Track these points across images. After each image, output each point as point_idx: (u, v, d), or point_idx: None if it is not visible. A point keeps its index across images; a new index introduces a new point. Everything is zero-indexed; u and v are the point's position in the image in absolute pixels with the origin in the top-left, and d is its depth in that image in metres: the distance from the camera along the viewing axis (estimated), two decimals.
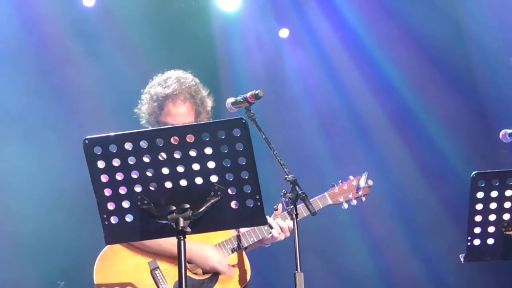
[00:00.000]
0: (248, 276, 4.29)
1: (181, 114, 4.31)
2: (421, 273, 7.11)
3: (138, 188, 2.97)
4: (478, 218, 3.35)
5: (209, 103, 4.59)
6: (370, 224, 7.20)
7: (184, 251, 2.95)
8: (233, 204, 2.99)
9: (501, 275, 6.85)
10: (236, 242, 4.26)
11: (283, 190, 3.61)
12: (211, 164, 2.93)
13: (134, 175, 2.96)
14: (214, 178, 2.95)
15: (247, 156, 2.92)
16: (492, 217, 3.35)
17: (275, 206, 3.52)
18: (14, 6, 6.56)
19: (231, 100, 3.94)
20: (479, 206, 3.33)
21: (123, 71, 6.92)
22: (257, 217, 3.01)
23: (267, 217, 4.13)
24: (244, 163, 2.93)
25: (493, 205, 3.33)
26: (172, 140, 2.93)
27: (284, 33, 7.35)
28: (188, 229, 2.95)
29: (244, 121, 2.89)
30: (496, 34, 6.82)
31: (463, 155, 7.00)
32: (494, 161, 6.68)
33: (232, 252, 4.25)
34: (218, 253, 4.19)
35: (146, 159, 2.93)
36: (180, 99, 4.38)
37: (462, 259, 3.43)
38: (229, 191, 2.97)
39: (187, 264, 4.13)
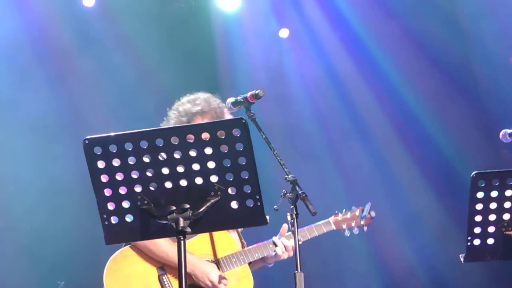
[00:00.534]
0: None
1: None
2: (421, 272, 7.12)
3: (138, 188, 2.97)
4: (478, 218, 3.34)
5: None
6: (370, 224, 7.19)
7: (184, 251, 2.95)
8: (233, 204, 2.99)
9: (501, 275, 6.85)
10: (242, 257, 4.36)
11: (283, 190, 3.61)
12: (211, 164, 2.93)
13: (134, 175, 2.96)
14: (214, 178, 2.95)
15: (247, 156, 2.92)
16: (492, 217, 3.34)
17: (275, 206, 3.52)
18: (14, 6, 6.56)
19: (231, 100, 3.94)
20: (479, 206, 3.33)
21: (123, 71, 6.93)
22: (257, 217, 3.01)
23: (274, 238, 4.39)
24: (244, 163, 2.93)
25: (493, 205, 3.33)
26: (172, 140, 2.92)
27: (284, 33, 7.35)
28: (188, 229, 2.94)
29: (244, 121, 2.89)
30: (496, 34, 6.82)
31: (463, 155, 7.00)
32: (494, 161, 6.68)
33: (236, 266, 4.34)
34: (218, 269, 4.29)
35: (146, 159, 2.93)
36: (207, 117, 4.45)
37: (462, 259, 3.43)
38: (229, 191, 2.97)
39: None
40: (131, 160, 2.94)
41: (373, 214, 4.90)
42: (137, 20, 6.88)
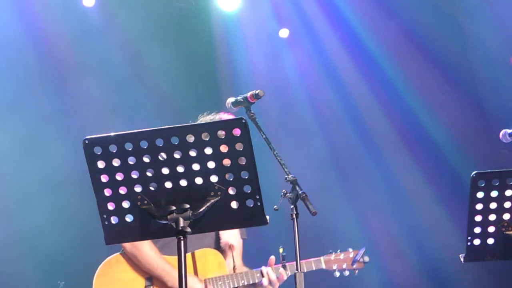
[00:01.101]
0: None
1: None
2: (421, 272, 7.11)
3: (138, 188, 2.97)
4: (478, 218, 3.34)
5: None
6: (370, 224, 7.20)
7: (185, 251, 2.95)
8: (233, 204, 2.99)
9: (501, 275, 6.85)
10: (228, 281, 4.39)
11: (283, 190, 3.61)
12: (211, 164, 2.93)
13: (134, 175, 2.96)
14: (214, 178, 2.95)
15: (247, 156, 2.92)
16: (492, 217, 3.34)
17: (275, 206, 3.52)
18: (14, 6, 6.56)
19: (231, 100, 3.94)
20: (479, 206, 3.33)
21: (123, 70, 6.93)
22: (257, 217, 3.01)
23: (263, 267, 4.44)
24: (244, 163, 2.93)
25: (493, 205, 3.33)
26: (172, 140, 2.92)
27: (284, 33, 7.35)
28: (188, 229, 2.94)
29: (244, 121, 2.89)
30: (496, 34, 6.81)
31: (463, 155, 7.00)
32: (494, 161, 6.68)
33: None
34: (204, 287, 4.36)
35: (146, 159, 2.93)
36: None
37: (462, 259, 3.43)
38: (229, 191, 2.97)
39: None
40: (131, 160, 2.93)
41: (366, 259, 4.90)
42: (137, 20, 6.88)
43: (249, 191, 2.96)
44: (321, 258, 4.76)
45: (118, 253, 4.36)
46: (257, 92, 3.83)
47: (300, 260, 3.49)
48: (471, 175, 3.28)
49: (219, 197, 2.96)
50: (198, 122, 4.68)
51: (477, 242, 3.37)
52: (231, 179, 2.95)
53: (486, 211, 3.33)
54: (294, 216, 3.54)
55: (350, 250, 4.86)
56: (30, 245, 6.41)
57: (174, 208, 2.96)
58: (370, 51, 7.23)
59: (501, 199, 3.31)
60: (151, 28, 6.94)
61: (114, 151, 2.93)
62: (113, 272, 4.29)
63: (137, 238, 3.12)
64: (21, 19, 6.60)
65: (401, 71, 7.17)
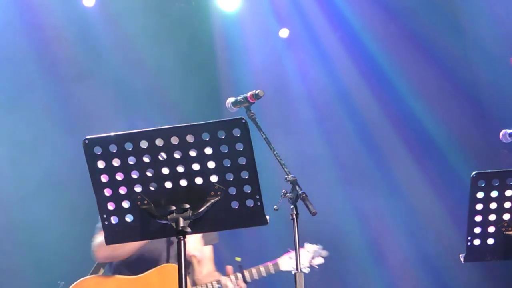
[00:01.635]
0: None
1: None
2: (421, 272, 7.11)
3: (138, 188, 2.97)
4: (478, 218, 3.35)
5: None
6: (370, 224, 7.20)
7: (184, 251, 2.95)
8: (233, 204, 2.99)
9: (501, 275, 6.85)
10: None
11: (283, 190, 3.61)
12: (211, 164, 2.93)
13: (134, 175, 2.96)
14: (214, 178, 2.95)
15: (247, 156, 2.92)
16: (492, 217, 3.34)
17: (275, 206, 3.53)
18: (14, 6, 6.56)
19: (231, 100, 3.95)
20: (479, 206, 3.33)
21: (123, 70, 6.93)
22: (257, 217, 3.01)
23: (222, 277, 4.56)
24: (244, 163, 2.93)
25: (493, 205, 3.33)
26: (172, 140, 2.93)
27: (284, 33, 7.34)
28: (188, 229, 2.95)
29: (244, 121, 2.89)
30: (496, 34, 6.81)
31: (463, 155, 7.00)
32: (494, 161, 6.68)
33: None
34: None
35: (146, 159, 2.93)
36: None
37: (462, 259, 3.43)
38: (229, 191, 2.97)
39: None
40: (131, 160, 2.94)
41: (324, 254, 4.89)
42: (137, 20, 6.88)
43: (249, 191, 2.96)
44: (278, 260, 4.82)
45: (83, 278, 4.59)
46: (257, 92, 3.84)
47: (299, 259, 3.49)
48: (471, 175, 3.28)
49: (219, 197, 2.97)
50: None
51: (477, 242, 3.37)
52: (231, 179, 2.95)
53: (486, 211, 3.33)
54: (294, 216, 3.54)
55: (306, 244, 4.86)
56: (30, 245, 6.41)
57: (174, 208, 2.96)
58: (370, 51, 7.23)
59: (501, 199, 3.31)
60: (151, 28, 6.94)
61: (114, 151, 2.93)
62: None
63: (137, 238, 3.12)
64: (21, 19, 6.60)
65: (401, 71, 7.17)
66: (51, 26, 6.68)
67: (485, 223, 3.35)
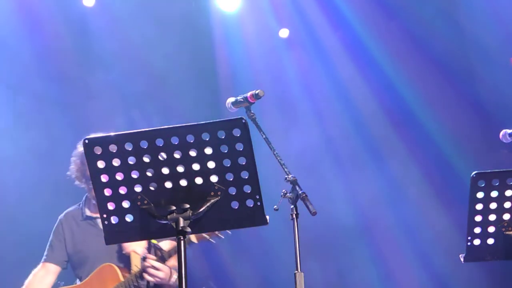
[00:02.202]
0: None
1: None
2: (421, 272, 7.11)
3: (138, 188, 2.97)
4: (478, 218, 3.35)
5: None
6: (370, 224, 7.20)
7: (185, 251, 2.95)
8: (233, 204, 2.99)
9: (501, 275, 6.85)
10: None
11: (283, 190, 3.61)
12: (211, 164, 2.93)
13: (134, 175, 2.96)
14: (214, 178, 2.95)
15: (247, 156, 2.92)
16: (492, 217, 3.34)
17: (275, 206, 3.53)
18: (14, 6, 6.56)
19: (231, 100, 3.95)
20: (479, 206, 3.33)
21: (123, 71, 6.93)
22: (257, 217, 3.01)
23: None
24: (244, 163, 2.93)
25: (493, 205, 3.33)
26: (172, 140, 2.93)
27: (284, 33, 7.34)
28: (188, 229, 2.94)
29: (244, 121, 2.89)
30: (496, 34, 6.81)
31: (463, 155, 7.00)
32: (494, 161, 6.67)
33: None
34: None
35: (146, 159, 2.93)
36: None
37: (462, 259, 3.43)
38: (229, 191, 2.97)
39: None
40: (131, 160, 2.94)
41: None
42: (137, 20, 6.88)
43: (249, 191, 2.96)
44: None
45: None
46: (257, 92, 3.84)
47: (299, 259, 3.49)
48: (471, 175, 3.28)
49: (219, 197, 2.97)
50: (78, 147, 4.95)
51: (477, 242, 3.37)
52: (231, 179, 2.95)
53: (486, 211, 3.33)
54: (294, 216, 3.54)
55: None
56: (31, 246, 6.40)
57: (174, 208, 2.96)
58: (370, 51, 7.23)
59: (501, 199, 3.32)
60: (151, 29, 6.94)
61: (114, 151, 2.93)
62: None
63: (137, 238, 3.13)
64: (21, 18, 6.60)
65: (401, 71, 7.17)
66: (51, 26, 6.68)
67: (485, 223, 3.35)
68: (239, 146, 2.91)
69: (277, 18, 7.28)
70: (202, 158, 2.92)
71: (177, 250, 2.95)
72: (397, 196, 7.15)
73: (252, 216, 3.00)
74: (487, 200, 3.31)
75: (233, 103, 3.94)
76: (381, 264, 7.17)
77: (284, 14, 7.28)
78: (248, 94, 3.87)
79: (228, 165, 2.93)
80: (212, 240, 4.76)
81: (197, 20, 7.09)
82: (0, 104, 6.60)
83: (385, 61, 7.19)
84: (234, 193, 2.98)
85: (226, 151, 2.91)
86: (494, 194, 3.31)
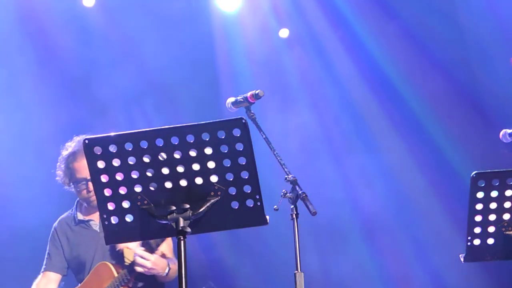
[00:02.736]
0: None
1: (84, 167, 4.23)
2: (421, 273, 7.11)
3: (138, 188, 2.97)
4: (478, 218, 3.35)
5: None
6: (370, 224, 7.20)
7: (185, 251, 2.95)
8: (233, 204, 2.99)
9: (501, 275, 6.85)
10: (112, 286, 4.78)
11: (283, 190, 3.62)
12: (211, 164, 2.93)
13: (134, 175, 2.96)
14: (214, 178, 2.96)
15: (247, 156, 2.92)
16: (492, 217, 3.35)
17: (275, 206, 3.53)
18: (13, 6, 6.56)
19: (231, 100, 3.96)
20: (479, 206, 3.33)
21: (123, 71, 6.93)
22: (257, 217, 3.01)
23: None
24: (244, 163, 2.93)
25: (493, 205, 3.33)
26: (172, 140, 2.93)
27: (284, 33, 7.34)
28: (188, 229, 2.95)
29: (244, 121, 2.89)
30: (496, 34, 6.81)
31: (463, 155, 7.00)
32: (494, 161, 6.67)
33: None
34: None
35: (146, 159, 2.93)
36: (79, 156, 4.84)
37: (462, 259, 3.43)
38: (229, 191, 2.97)
39: None
40: (131, 160, 2.94)
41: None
42: (137, 20, 6.88)
43: (249, 191, 2.97)
44: None
45: None
46: (257, 92, 3.85)
47: (299, 259, 3.49)
48: (471, 175, 3.28)
49: (219, 197, 2.97)
50: (62, 151, 5.00)
51: (477, 242, 3.37)
52: (231, 179, 2.95)
53: (486, 211, 3.33)
54: (294, 216, 3.54)
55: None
56: (31, 246, 6.41)
57: (174, 208, 2.96)
58: (370, 51, 7.23)
59: (501, 199, 3.32)
60: (151, 29, 6.94)
61: (114, 151, 2.93)
62: None
63: (137, 238, 3.13)
64: (21, 18, 6.60)
65: (401, 71, 7.16)
66: (51, 26, 6.67)
67: (485, 223, 3.35)
68: (239, 146, 2.91)
69: (277, 18, 7.28)
70: (202, 158, 2.92)
71: (177, 250, 2.95)
72: (396, 196, 7.15)
73: (252, 216, 3.01)
74: (487, 200, 3.32)
75: (233, 103, 3.94)
76: (381, 264, 7.17)
77: (284, 14, 7.28)
78: (248, 94, 3.87)
79: (228, 165, 2.94)
80: None
81: (197, 20, 7.09)
82: (0, 104, 6.60)
83: (385, 61, 7.18)
84: (234, 193, 2.98)
85: (226, 151, 2.92)
86: (494, 194, 3.31)
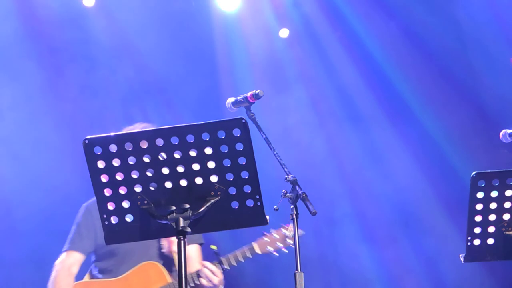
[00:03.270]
0: None
1: None
2: (421, 273, 7.11)
3: (138, 188, 2.97)
4: (478, 218, 3.35)
5: None
6: (370, 224, 7.20)
7: (184, 251, 2.95)
8: (233, 204, 2.99)
9: (501, 275, 6.85)
10: None
11: (283, 190, 3.61)
12: (211, 164, 2.93)
13: (134, 175, 2.96)
14: (214, 178, 2.96)
15: (247, 156, 2.92)
16: (492, 217, 3.34)
17: (275, 206, 3.53)
18: (13, 6, 6.56)
19: (231, 100, 3.96)
20: (479, 206, 3.33)
21: (123, 71, 6.93)
22: (257, 217, 3.01)
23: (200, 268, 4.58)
24: (244, 163, 2.93)
25: (493, 205, 3.33)
26: (172, 140, 2.93)
27: (284, 33, 7.34)
28: (188, 229, 2.95)
29: (244, 121, 2.89)
30: (496, 34, 6.81)
31: (463, 155, 7.00)
32: (494, 161, 6.67)
33: None
34: None
35: (146, 159, 2.93)
36: None
37: (462, 259, 3.43)
38: (229, 191, 2.97)
39: None
40: (131, 160, 2.94)
41: (301, 232, 4.87)
42: (137, 20, 6.88)
43: (249, 191, 2.97)
44: (253, 243, 4.74)
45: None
46: (257, 92, 3.85)
47: (299, 259, 3.49)
48: (471, 175, 3.28)
49: (219, 197, 2.97)
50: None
51: (477, 242, 3.37)
52: (231, 179, 2.95)
53: (486, 211, 3.33)
54: (294, 216, 3.54)
55: (283, 225, 4.77)
56: (30, 245, 6.41)
57: (174, 208, 2.96)
58: (370, 51, 7.23)
59: (501, 199, 3.32)
60: (151, 28, 6.94)
61: (114, 151, 2.93)
62: None
63: (137, 238, 3.13)
64: (21, 18, 6.60)
65: (401, 71, 7.17)
66: (51, 25, 6.67)
67: (485, 223, 3.35)
68: (239, 146, 2.91)
69: (277, 18, 7.28)
70: (202, 158, 2.92)
71: (177, 250, 2.95)
72: (396, 196, 7.15)
73: (252, 216, 3.01)
74: (487, 200, 3.31)
75: (233, 103, 3.94)
76: (381, 264, 7.17)
77: (284, 14, 7.28)
78: (248, 94, 3.87)
79: (228, 165, 2.94)
80: (276, 253, 4.74)
81: (197, 20, 7.09)
82: (0, 103, 6.60)
83: (385, 60, 7.19)
84: (234, 193, 2.98)
85: (226, 151, 2.92)
86: (494, 194, 3.31)
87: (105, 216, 3.01)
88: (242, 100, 3.89)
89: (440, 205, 7.08)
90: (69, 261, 4.74)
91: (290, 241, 4.73)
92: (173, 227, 2.95)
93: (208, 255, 4.79)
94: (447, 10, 7.04)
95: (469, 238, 3.36)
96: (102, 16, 6.80)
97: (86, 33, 6.82)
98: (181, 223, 2.94)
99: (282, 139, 6.84)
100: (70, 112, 6.78)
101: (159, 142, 2.92)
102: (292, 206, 3.55)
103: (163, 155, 2.93)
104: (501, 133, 3.86)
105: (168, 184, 2.96)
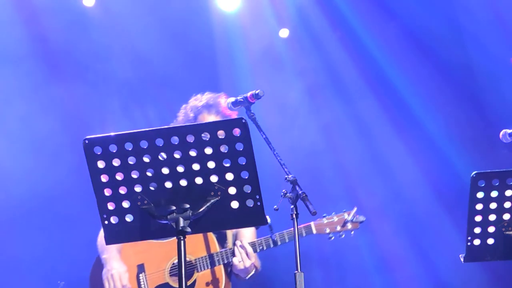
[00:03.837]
0: None
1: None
2: (421, 273, 7.11)
3: (138, 188, 2.98)
4: (478, 218, 3.35)
5: None
6: (370, 224, 7.19)
7: (184, 251, 2.95)
8: (233, 204, 2.99)
9: (501, 275, 6.85)
10: (214, 259, 4.59)
11: (283, 190, 3.62)
12: (211, 164, 2.93)
13: (134, 175, 2.97)
14: (214, 178, 2.96)
15: (247, 156, 2.92)
16: (492, 217, 3.35)
17: (275, 206, 3.54)
18: (13, 6, 6.56)
19: (231, 100, 3.96)
20: (479, 206, 3.33)
21: (123, 70, 6.93)
22: (257, 217, 3.02)
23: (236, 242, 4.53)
24: (244, 163, 2.93)
25: (493, 205, 3.33)
26: (172, 140, 2.93)
27: (284, 33, 7.34)
28: (188, 229, 2.95)
29: (244, 121, 2.89)
30: (496, 34, 6.81)
31: (463, 155, 7.00)
32: (494, 161, 6.68)
33: (208, 268, 4.57)
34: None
35: (146, 159, 2.94)
36: (213, 111, 4.76)
37: (462, 259, 3.43)
38: (229, 191, 2.98)
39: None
40: (131, 160, 2.94)
41: (361, 218, 4.85)
42: (137, 20, 6.88)
43: (249, 191, 2.97)
44: (311, 223, 4.72)
45: None
46: (257, 92, 3.85)
47: (299, 259, 3.49)
48: (471, 175, 3.28)
49: (219, 197, 2.97)
50: (184, 105, 4.92)
51: (477, 242, 3.37)
52: (231, 179, 2.96)
53: (486, 211, 3.33)
54: (294, 216, 3.54)
55: (344, 211, 4.82)
56: (30, 245, 6.41)
57: (174, 208, 2.96)
58: (370, 51, 7.23)
59: (501, 199, 3.32)
60: (151, 28, 6.94)
61: (114, 151, 2.94)
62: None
63: (137, 238, 3.13)
64: (21, 18, 6.60)
65: (401, 71, 7.16)
66: (51, 25, 6.68)
67: (485, 223, 3.35)
68: (239, 146, 2.91)
69: (277, 18, 7.28)
70: (202, 158, 2.92)
71: (177, 250, 2.96)
72: (397, 196, 7.15)
73: (252, 216, 3.01)
74: (487, 200, 3.32)
75: (233, 103, 3.95)
76: (381, 264, 7.17)
77: (284, 14, 7.27)
78: (248, 94, 3.87)
79: (228, 165, 2.94)
80: (332, 236, 4.73)
81: (197, 20, 7.09)
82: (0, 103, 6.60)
83: (385, 60, 7.19)
84: (234, 193, 2.98)
85: (226, 151, 2.92)
86: (494, 194, 3.31)
87: (105, 216, 3.01)
88: (242, 100, 3.90)
89: (440, 205, 7.08)
90: None
91: (350, 226, 4.77)
92: (173, 227, 2.96)
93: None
94: (447, 10, 7.04)
95: (469, 238, 3.37)
96: (102, 16, 6.80)
97: (86, 33, 6.82)
98: (181, 223, 2.94)
99: (282, 139, 6.83)
100: (69, 112, 6.78)
101: (159, 142, 2.92)
102: (292, 206, 3.55)
103: (163, 155, 2.94)
104: (501, 133, 3.87)
105: (168, 184, 2.96)
